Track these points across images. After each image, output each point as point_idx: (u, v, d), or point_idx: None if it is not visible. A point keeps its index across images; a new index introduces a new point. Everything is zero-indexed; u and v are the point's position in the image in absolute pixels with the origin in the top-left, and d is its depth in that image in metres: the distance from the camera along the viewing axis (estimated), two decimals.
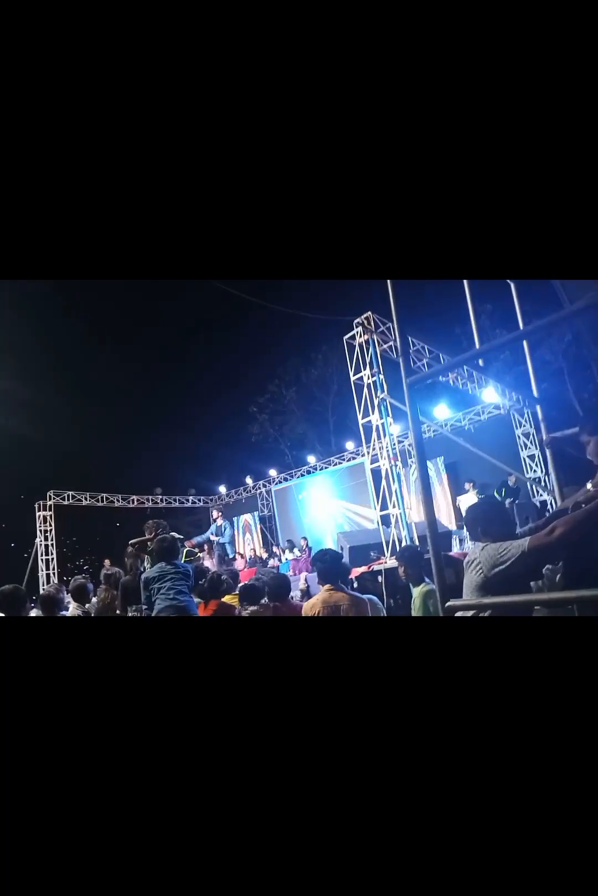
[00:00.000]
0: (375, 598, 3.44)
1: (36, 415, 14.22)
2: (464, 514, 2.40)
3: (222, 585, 3.92)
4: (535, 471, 10.12)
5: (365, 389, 7.10)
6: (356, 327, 7.57)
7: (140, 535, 4.57)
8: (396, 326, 2.93)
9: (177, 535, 4.61)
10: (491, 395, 10.35)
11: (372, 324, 7.56)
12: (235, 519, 14.75)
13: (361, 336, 7.45)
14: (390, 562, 6.07)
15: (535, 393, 4.89)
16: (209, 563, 10.27)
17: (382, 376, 7.11)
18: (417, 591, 3.34)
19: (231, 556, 9.43)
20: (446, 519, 10.20)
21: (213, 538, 9.52)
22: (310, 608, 3.33)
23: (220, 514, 9.28)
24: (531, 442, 10.21)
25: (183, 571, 3.76)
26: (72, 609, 4.14)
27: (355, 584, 5.58)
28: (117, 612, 4.22)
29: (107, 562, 9.29)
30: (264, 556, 12.94)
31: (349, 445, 12.87)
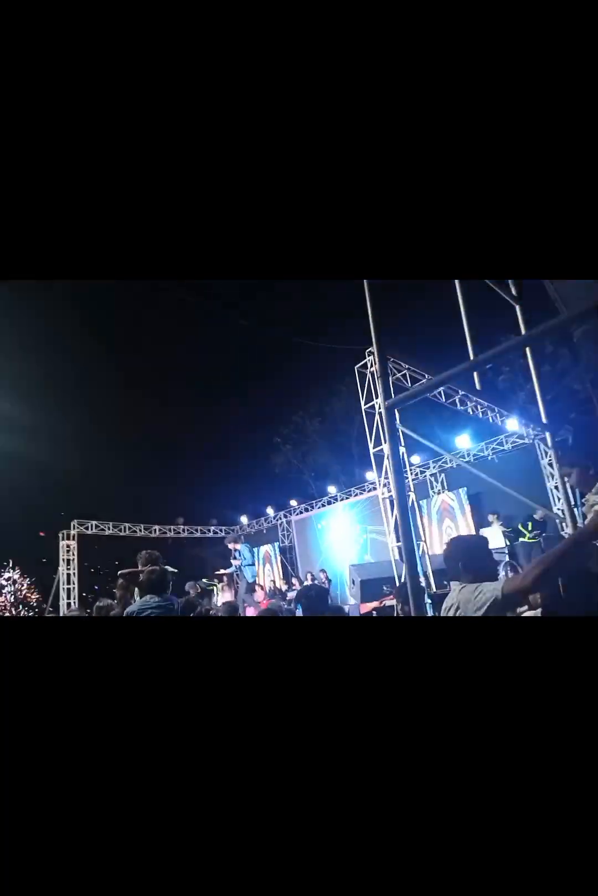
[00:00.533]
0: None
1: (64, 445, 14.60)
2: (443, 547, 2.29)
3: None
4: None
5: (377, 418, 6.99)
6: (368, 355, 7.52)
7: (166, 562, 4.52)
8: (374, 342, 2.85)
9: (170, 568, 4.53)
10: (515, 424, 10.05)
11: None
12: (255, 549, 14.65)
13: (373, 364, 7.39)
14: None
15: (543, 418, 4.68)
16: (228, 595, 10.18)
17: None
18: None
19: (251, 581, 9.28)
20: None
21: (234, 563, 9.43)
22: None
23: (235, 543, 9.21)
24: (557, 472, 9.80)
25: (166, 606, 3.65)
26: None
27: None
28: None
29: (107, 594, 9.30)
30: (284, 587, 12.76)
31: (371, 476, 12.68)
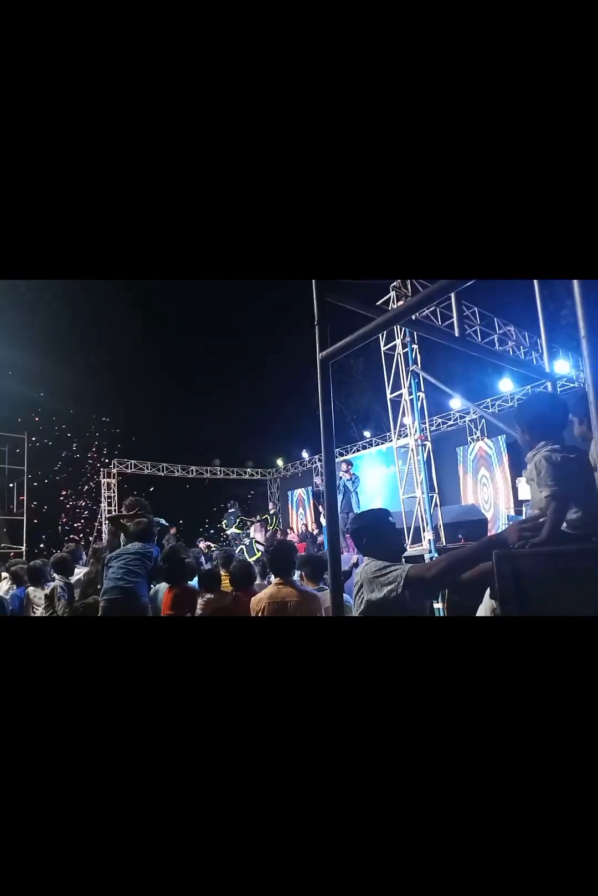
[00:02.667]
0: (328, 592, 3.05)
1: (104, 386, 15.00)
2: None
3: (185, 569, 3.71)
4: None
5: (395, 360, 6.49)
6: (392, 291, 6.93)
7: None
8: (313, 283, 2.47)
9: (159, 520, 4.48)
10: (564, 366, 9.15)
11: (408, 288, 6.87)
12: (289, 493, 14.70)
13: (395, 301, 6.80)
14: (411, 550, 5.55)
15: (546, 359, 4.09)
16: (259, 536, 10.26)
17: (416, 347, 6.45)
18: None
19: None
20: (505, 502, 9.29)
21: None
22: (256, 603, 3.04)
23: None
24: None
25: (143, 553, 3.62)
26: (57, 579, 4.20)
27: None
28: (99, 586, 4.21)
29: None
30: (316, 531, 12.79)
31: (408, 421, 12.15)
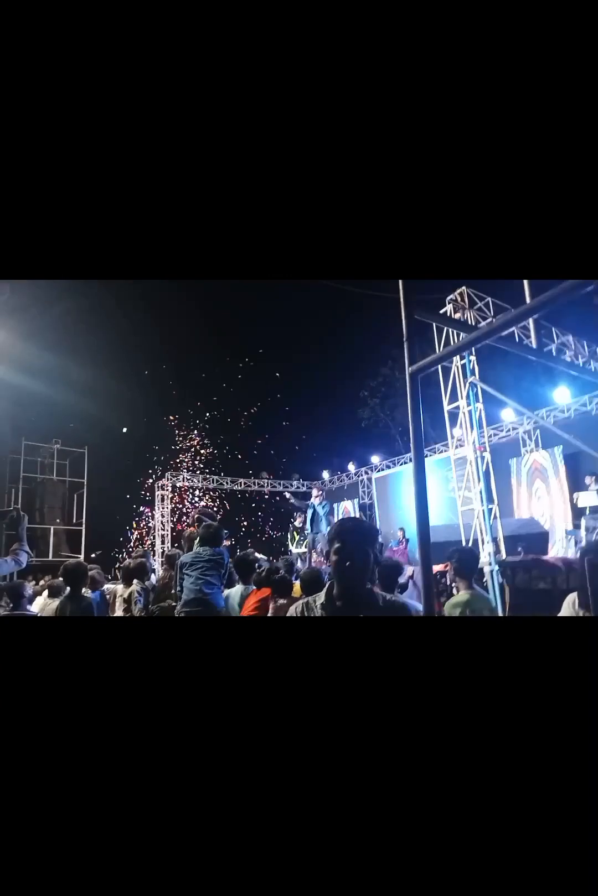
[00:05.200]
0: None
1: (156, 402, 15.54)
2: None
3: (275, 575, 3.85)
4: None
5: (453, 372, 6.50)
6: (449, 303, 6.96)
7: (247, 517, 4.72)
8: (402, 296, 2.57)
9: (217, 527, 4.65)
10: None
11: (465, 300, 6.88)
12: (335, 505, 14.73)
13: (452, 314, 6.83)
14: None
15: None
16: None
17: (473, 359, 6.45)
18: (452, 600, 2.96)
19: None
20: (562, 516, 9.02)
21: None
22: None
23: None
24: None
25: (217, 559, 3.78)
26: (135, 585, 4.42)
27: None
28: (173, 591, 4.40)
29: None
30: None
31: (458, 432, 12.00)
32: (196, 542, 4.35)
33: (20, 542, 3.33)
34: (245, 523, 15.30)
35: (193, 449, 15.38)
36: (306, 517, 9.02)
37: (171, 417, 15.36)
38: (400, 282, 2.65)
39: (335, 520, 9.00)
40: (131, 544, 13.21)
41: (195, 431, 15.44)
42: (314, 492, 9.18)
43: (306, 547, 8.98)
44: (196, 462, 15.02)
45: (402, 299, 2.59)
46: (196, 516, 4.64)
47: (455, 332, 6.05)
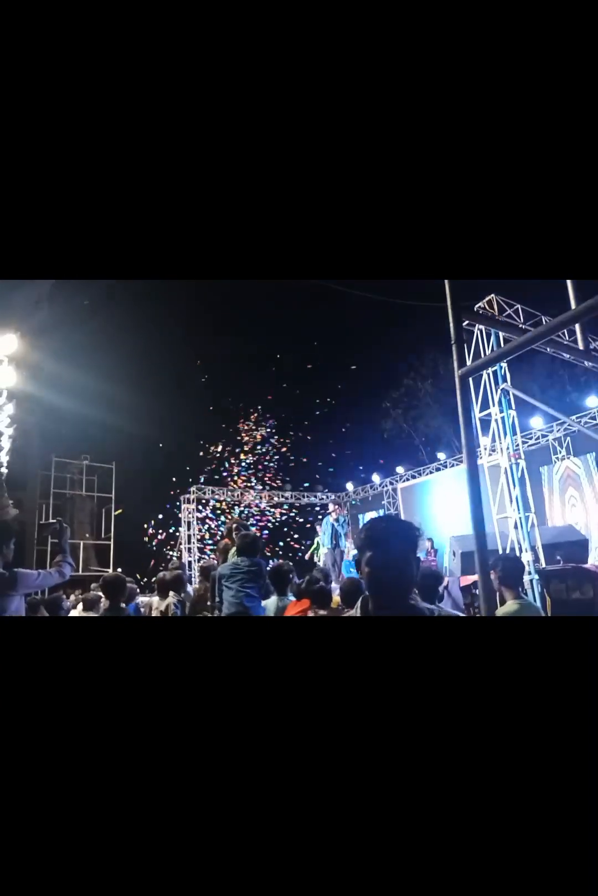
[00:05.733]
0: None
1: (181, 416, 15.75)
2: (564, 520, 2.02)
3: (314, 585, 3.83)
4: None
5: (484, 379, 6.42)
6: (478, 310, 6.90)
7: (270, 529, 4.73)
8: (449, 300, 2.56)
9: (255, 536, 4.65)
10: None
11: (495, 307, 6.81)
12: (359, 516, 14.62)
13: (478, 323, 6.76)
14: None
15: None
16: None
17: (505, 365, 6.36)
18: (501, 610, 2.88)
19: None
20: (597, 524, 8.79)
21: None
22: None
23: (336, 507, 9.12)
24: None
25: (255, 570, 3.76)
26: (171, 597, 4.43)
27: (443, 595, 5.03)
28: (209, 603, 4.39)
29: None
30: None
31: (485, 441, 11.81)
32: (233, 552, 4.34)
33: (63, 553, 3.36)
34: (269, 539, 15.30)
35: (225, 460, 15.47)
36: (323, 535, 8.86)
37: (207, 444, 15.51)
38: (447, 285, 2.64)
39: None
40: (158, 559, 13.28)
41: (221, 445, 15.55)
42: (331, 507, 9.03)
43: (325, 563, 8.86)
44: (225, 475, 15.10)
45: (449, 303, 2.57)
46: (232, 526, 4.63)
47: (493, 336, 5.99)
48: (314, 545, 10.58)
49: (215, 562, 5.05)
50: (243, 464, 15.75)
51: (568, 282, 2.83)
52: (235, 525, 4.94)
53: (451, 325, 2.39)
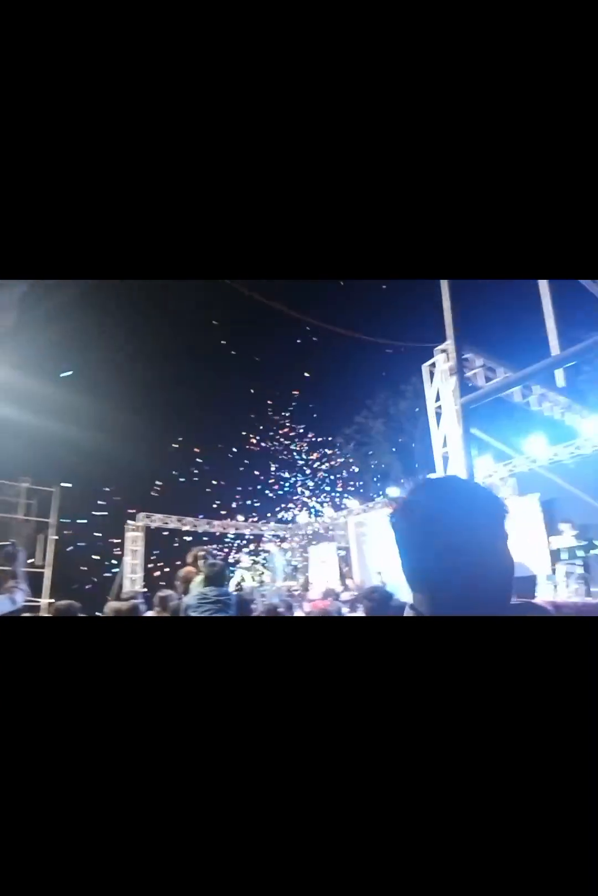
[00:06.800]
0: None
1: (131, 437, 15.25)
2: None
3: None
4: None
5: (445, 418, 6.67)
6: (438, 354, 7.21)
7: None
8: (451, 338, 2.66)
9: (222, 565, 4.52)
10: (595, 426, 9.33)
11: (451, 356, 7.16)
12: (310, 549, 14.60)
13: (443, 363, 7.07)
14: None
15: None
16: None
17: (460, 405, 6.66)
18: None
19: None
20: (540, 561, 9.22)
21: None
22: None
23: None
24: None
25: (225, 599, 3.64)
26: None
27: None
28: None
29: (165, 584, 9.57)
30: (339, 589, 12.59)
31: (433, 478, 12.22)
32: (199, 582, 4.18)
33: (16, 579, 3.12)
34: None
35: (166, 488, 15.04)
36: (263, 564, 9.04)
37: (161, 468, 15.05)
38: (448, 314, 2.74)
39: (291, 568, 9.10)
40: (102, 588, 12.58)
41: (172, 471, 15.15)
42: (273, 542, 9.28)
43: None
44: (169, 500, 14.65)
45: (451, 333, 2.66)
46: (198, 554, 4.47)
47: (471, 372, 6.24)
48: (239, 578, 10.47)
49: (170, 592, 4.84)
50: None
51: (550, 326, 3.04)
52: (200, 552, 4.78)
53: (454, 354, 2.48)
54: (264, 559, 9.14)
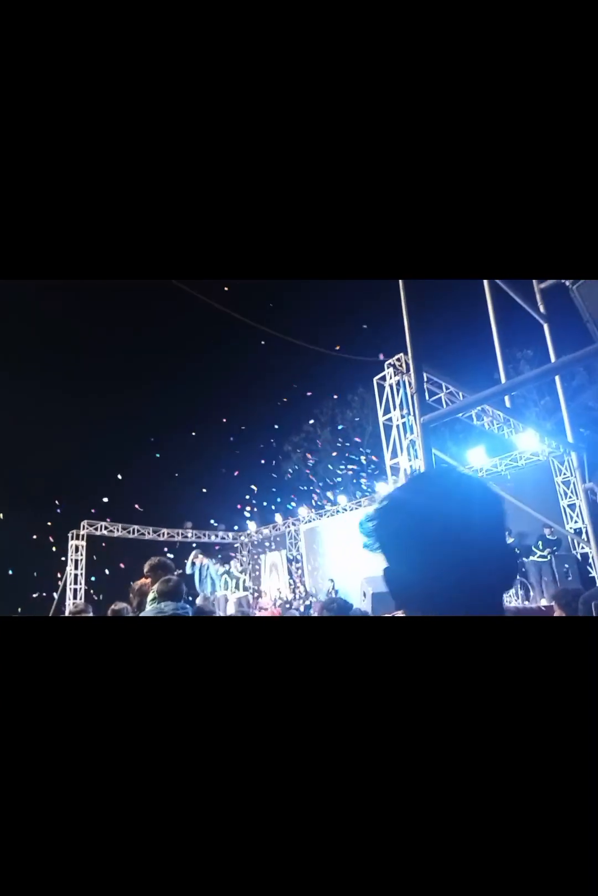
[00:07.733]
0: None
1: (73, 445, 14.69)
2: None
3: None
4: (576, 521, 9.57)
5: (394, 430, 6.95)
6: (388, 368, 7.50)
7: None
8: (411, 358, 2.83)
9: (178, 580, 4.48)
10: (529, 441, 9.98)
11: (404, 365, 7.47)
12: (262, 556, 14.63)
13: (392, 377, 7.37)
14: None
15: (569, 438, 4.60)
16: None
17: (412, 418, 6.96)
18: None
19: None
20: None
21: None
22: None
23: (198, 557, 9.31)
24: (571, 491, 9.69)
25: (182, 616, 3.62)
26: None
27: None
28: None
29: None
30: (290, 596, 12.70)
31: (381, 487, 12.59)
32: (154, 597, 4.13)
33: None
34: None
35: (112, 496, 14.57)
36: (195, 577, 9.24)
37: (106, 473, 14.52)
38: (408, 336, 2.90)
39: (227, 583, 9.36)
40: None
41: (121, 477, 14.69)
42: (192, 556, 9.39)
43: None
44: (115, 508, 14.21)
45: (410, 353, 2.84)
46: (155, 563, 4.41)
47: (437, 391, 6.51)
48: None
49: (124, 606, 4.75)
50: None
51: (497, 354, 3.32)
52: (155, 562, 4.71)
53: (412, 375, 2.65)
54: (200, 568, 9.21)
